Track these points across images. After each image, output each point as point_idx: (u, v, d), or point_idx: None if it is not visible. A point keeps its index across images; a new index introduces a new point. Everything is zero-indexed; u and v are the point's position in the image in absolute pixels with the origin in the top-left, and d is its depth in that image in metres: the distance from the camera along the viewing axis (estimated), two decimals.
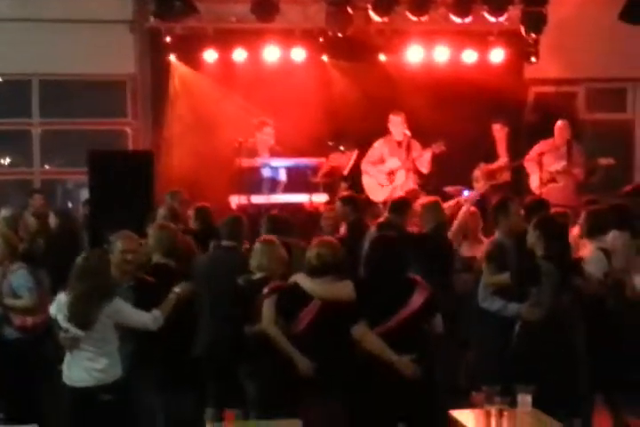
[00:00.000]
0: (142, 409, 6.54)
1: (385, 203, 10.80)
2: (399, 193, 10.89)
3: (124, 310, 6.20)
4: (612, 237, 7.73)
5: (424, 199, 8.84)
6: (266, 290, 6.57)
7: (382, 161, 11.51)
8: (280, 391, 6.37)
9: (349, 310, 6.11)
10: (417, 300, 6.10)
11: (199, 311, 7.16)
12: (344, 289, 6.23)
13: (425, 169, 11.41)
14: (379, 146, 11.57)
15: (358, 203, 9.02)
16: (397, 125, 11.44)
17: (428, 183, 11.28)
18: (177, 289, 6.56)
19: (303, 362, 6.24)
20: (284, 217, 8.26)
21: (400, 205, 8.59)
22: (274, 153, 11.25)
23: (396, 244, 6.37)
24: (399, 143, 11.49)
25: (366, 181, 11.63)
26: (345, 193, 9.88)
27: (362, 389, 6.10)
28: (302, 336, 6.28)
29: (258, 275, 6.88)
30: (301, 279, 6.39)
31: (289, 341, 6.32)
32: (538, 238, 6.81)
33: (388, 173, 11.46)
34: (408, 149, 11.46)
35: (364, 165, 11.57)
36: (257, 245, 7.01)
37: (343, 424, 6.14)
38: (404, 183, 11.27)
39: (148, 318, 6.29)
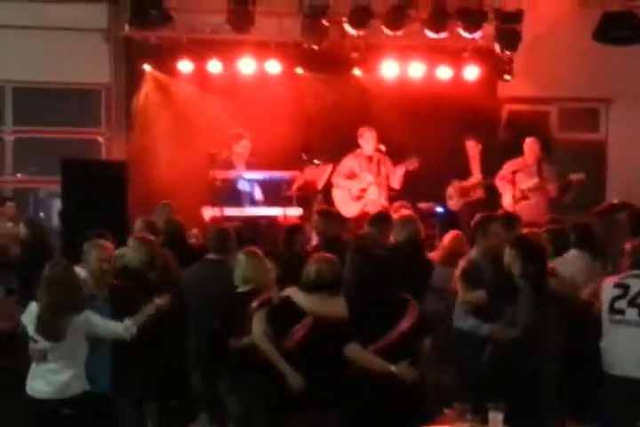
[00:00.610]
0: (125, 422, 6.47)
1: (356, 218, 10.85)
2: (370, 209, 10.92)
3: (94, 321, 6.12)
4: (572, 256, 7.77)
5: (400, 213, 8.84)
6: (255, 303, 6.53)
7: (353, 176, 11.47)
8: (264, 407, 6.35)
9: (341, 327, 6.10)
10: (409, 319, 6.11)
11: (188, 325, 7.15)
12: (338, 306, 6.21)
13: (396, 185, 11.39)
14: (348, 161, 11.50)
15: (336, 217, 9.00)
16: (369, 140, 11.41)
17: (400, 199, 11.26)
18: (158, 300, 6.51)
19: (295, 378, 6.20)
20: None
21: (379, 219, 8.58)
22: (250, 166, 11.21)
23: (386, 262, 6.39)
24: (369, 158, 11.44)
25: (337, 196, 11.56)
26: (322, 206, 9.87)
27: (357, 405, 6.10)
28: (294, 352, 6.25)
29: (244, 287, 6.85)
30: (296, 294, 6.35)
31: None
32: (514, 258, 6.83)
33: (361, 188, 11.43)
34: (379, 164, 11.44)
35: (336, 179, 11.49)
36: (240, 257, 6.98)
37: None
38: (376, 199, 11.25)
39: (119, 328, 6.22)
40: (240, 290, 6.88)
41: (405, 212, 8.97)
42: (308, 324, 6.23)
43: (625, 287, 6.52)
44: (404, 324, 6.11)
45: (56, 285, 6.01)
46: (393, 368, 6.00)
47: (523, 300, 6.67)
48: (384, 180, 11.35)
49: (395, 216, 8.74)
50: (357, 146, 11.53)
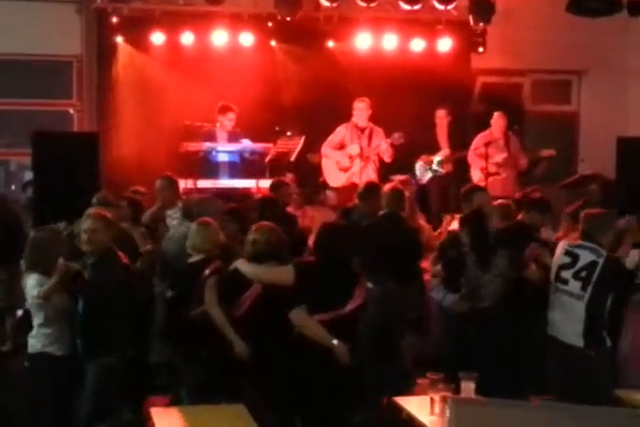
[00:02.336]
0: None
1: (342, 188, 10.85)
2: (357, 180, 10.91)
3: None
4: None
5: (388, 185, 8.73)
6: (207, 272, 6.59)
7: (342, 146, 11.43)
8: (218, 376, 6.38)
9: (288, 293, 6.10)
10: (360, 294, 6.10)
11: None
12: (283, 273, 6.21)
13: (387, 158, 11.34)
14: (340, 131, 11.47)
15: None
16: (361, 111, 11.38)
17: (380, 172, 11.28)
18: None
19: (240, 346, 6.27)
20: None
21: (368, 191, 8.52)
22: (233, 137, 11.16)
23: (343, 233, 6.37)
24: (362, 130, 11.41)
25: (325, 166, 11.54)
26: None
27: (296, 371, 6.11)
28: (243, 320, 6.30)
29: (196, 257, 6.91)
30: (241, 264, 6.40)
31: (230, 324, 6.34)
32: (462, 231, 6.99)
33: (349, 159, 11.36)
34: (370, 136, 11.40)
35: (324, 149, 11.47)
36: (193, 227, 7.07)
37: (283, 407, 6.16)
38: (361, 170, 11.23)
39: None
40: (192, 260, 6.95)
41: (395, 184, 8.88)
42: (256, 292, 6.28)
43: (574, 257, 6.55)
44: (357, 299, 6.09)
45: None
46: (335, 341, 5.96)
47: (467, 273, 6.84)
48: (372, 152, 11.33)
49: (385, 188, 8.65)
50: (331, 117, 11.52)
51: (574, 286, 6.46)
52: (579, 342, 6.36)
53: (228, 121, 11.13)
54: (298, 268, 6.19)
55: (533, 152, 11.51)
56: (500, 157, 11.50)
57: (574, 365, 6.38)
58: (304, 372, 6.00)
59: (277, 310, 6.12)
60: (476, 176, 11.45)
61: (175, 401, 6.82)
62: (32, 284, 6.34)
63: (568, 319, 6.45)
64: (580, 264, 6.48)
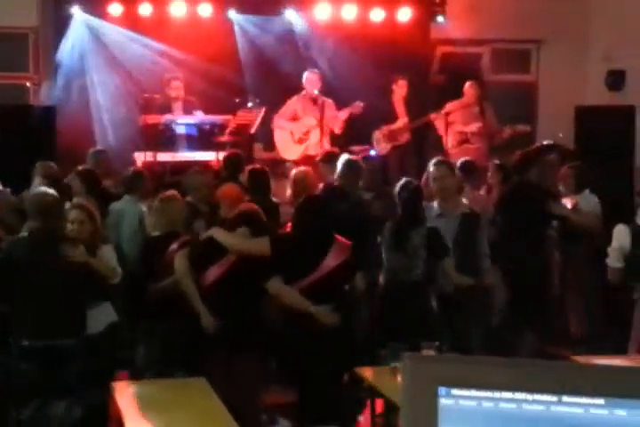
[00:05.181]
0: None
1: (298, 161, 10.80)
2: (312, 152, 10.88)
3: None
4: None
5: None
6: (175, 245, 6.55)
7: (296, 118, 11.36)
8: (179, 349, 6.39)
9: (264, 264, 6.11)
10: (332, 259, 6.13)
11: None
12: (260, 243, 6.23)
13: (337, 129, 11.33)
14: (292, 102, 11.41)
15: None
16: (313, 83, 11.34)
17: (338, 143, 11.25)
18: None
19: (208, 319, 6.26)
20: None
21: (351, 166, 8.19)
22: (188, 105, 11.10)
23: (321, 204, 6.40)
24: (314, 101, 11.36)
25: (278, 137, 11.42)
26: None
27: (286, 342, 6.14)
28: (212, 290, 6.29)
29: (159, 231, 6.88)
30: (218, 233, 6.39)
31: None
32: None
33: (305, 131, 11.34)
34: (322, 107, 11.35)
35: (277, 121, 11.37)
36: (156, 202, 7.02)
37: (251, 381, 6.18)
38: (317, 142, 11.20)
39: None
40: (155, 234, 6.91)
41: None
42: (230, 261, 6.28)
43: None
44: (329, 263, 6.13)
45: None
46: (312, 308, 6.02)
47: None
48: (327, 123, 11.27)
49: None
50: (291, 89, 11.48)
51: None
52: None
53: (174, 91, 11.07)
54: (274, 239, 6.20)
55: (512, 127, 11.45)
56: (474, 126, 11.48)
57: None
58: (292, 340, 6.07)
59: (250, 281, 6.14)
60: (449, 144, 11.45)
61: (135, 375, 6.81)
62: None
63: None
64: None
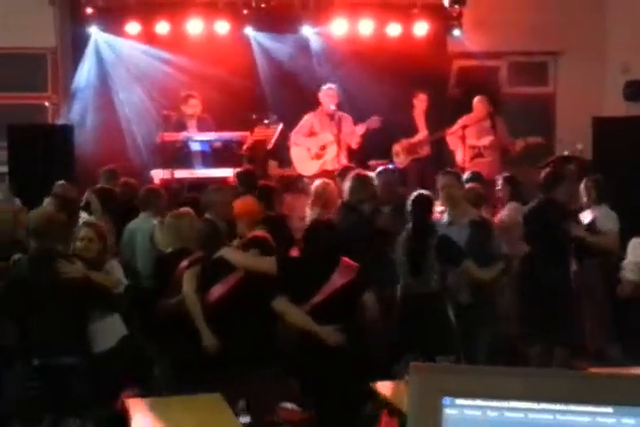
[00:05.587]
0: None
1: (314, 176, 10.78)
2: (329, 167, 10.88)
3: None
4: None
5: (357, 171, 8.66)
6: (185, 263, 6.55)
7: (313, 134, 11.36)
8: (191, 367, 6.37)
9: (270, 282, 6.11)
10: (337, 279, 6.10)
11: None
12: (267, 262, 6.24)
13: (354, 144, 11.31)
14: (309, 118, 11.38)
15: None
16: (330, 98, 11.31)
17: (357, 158, 11.24)
18: None
19: (208, 339, 6.25)
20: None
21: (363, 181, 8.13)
22: (202, 123, 11.14)
23: (329, 227, 6.40)
24: (330, 116, 11.34)
25: (295, 154, 11.41)
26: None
27: (300, 360, 6.13)
28: (216, 306, 6.30)
29: (171, 248, 6.89)
30: (226, 252, 6.40)
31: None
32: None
33: (321, 146, 11.35)
34: (340, 122, 11.32)
35: (294, 137, 11.34)
36: (168, 219, 7.02)
37: (261, 398, 6.17)
38: (334, 158, 11.19)
39: None
40: (168, 250, 6.92)
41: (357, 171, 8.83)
42: (235, 278, 6.28)
43: None
44: (334, 283, 6.09)
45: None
46: (316, 328, 6.00)
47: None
48: (344, 138, 11.28)
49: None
50: (307, 105, 11.48)
51: None
52: None
53: (190, 109, 11.11)
54: (282, 260, 6.23)
55: (523, 139, 11.41)
56: (486, 139, 11.46)
57: None
58: (306, 358, 6.07)
59: (255, 300, 6.13)
60: (459, 158, 11.45)
61: (147, 392, 6.78)
62: None
63: None
64: None
